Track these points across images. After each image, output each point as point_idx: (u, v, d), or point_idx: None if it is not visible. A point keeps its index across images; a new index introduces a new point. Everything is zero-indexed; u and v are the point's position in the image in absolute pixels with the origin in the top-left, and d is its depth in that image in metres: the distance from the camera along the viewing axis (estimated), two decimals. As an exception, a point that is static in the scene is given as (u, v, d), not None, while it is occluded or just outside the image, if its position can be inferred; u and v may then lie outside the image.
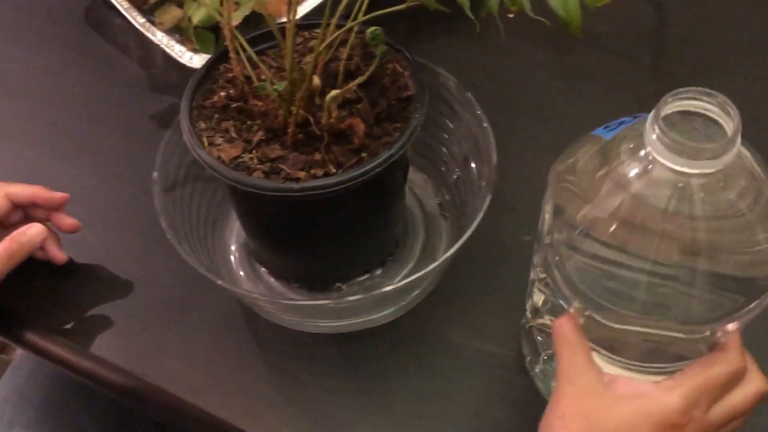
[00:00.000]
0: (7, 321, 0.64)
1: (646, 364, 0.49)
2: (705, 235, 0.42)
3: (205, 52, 0.74)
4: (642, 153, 0.42)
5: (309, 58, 0.58)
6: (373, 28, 0.52)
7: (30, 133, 0.76)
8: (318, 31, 0.59)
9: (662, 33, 0.81)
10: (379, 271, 0.64)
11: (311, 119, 0.53)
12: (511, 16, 0.60)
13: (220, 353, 0.62)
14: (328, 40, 0.52)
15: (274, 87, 0.51)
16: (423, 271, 0.55)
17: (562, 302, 0.49)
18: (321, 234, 0.57)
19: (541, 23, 0.56)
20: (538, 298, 0.54)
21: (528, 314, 0.57)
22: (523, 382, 0.58)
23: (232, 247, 0.66)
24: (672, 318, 0.44)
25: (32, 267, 0.63)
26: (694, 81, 0.74)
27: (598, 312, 0.46)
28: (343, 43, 0.57)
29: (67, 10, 0.86)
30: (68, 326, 0.64)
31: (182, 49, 0.71)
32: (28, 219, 0.65)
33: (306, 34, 0.60)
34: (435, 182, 0.68)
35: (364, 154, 0.53)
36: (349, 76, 0.57)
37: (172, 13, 0.76)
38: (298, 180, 0.52)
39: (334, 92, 0.51)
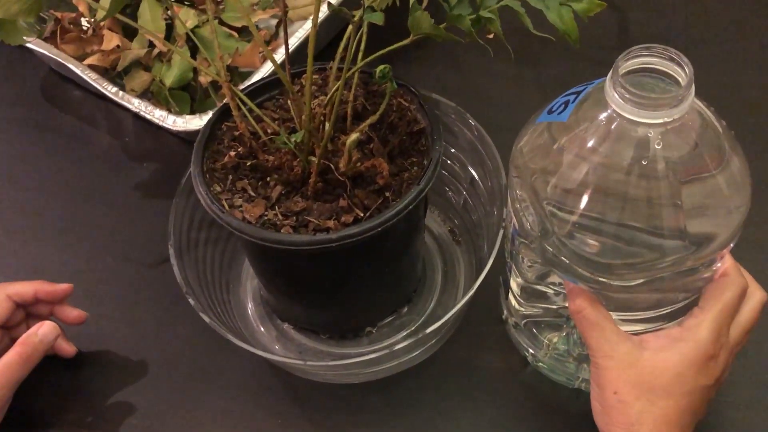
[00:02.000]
0: (27, 424, 0.60)
1: (658, 312, 0.50)
2: (676, 190, 0.43)
3: (184, 112, 0.72)
4: (603, 115, 0.43)
5: (315, 104, 0.57)
6: (381, 67, 0.51)
7: (10, 222, 0.72)
8: (315, 76, 0.59)
9: (624, 34, 0.83)
10: (405, 309, 0.63)
11: (331, 166, 0.52)
12: (490, 36, 0.60)
13: (259, 419, 0.59)
14: (340, 83, 0.51)
15: (293, 138, 0.50)
16: (461, 302, 0.54)
17: (553, 287, 0.51)
18: (353, 281, 0.56)
19: (509, 40, 0.56)
20: (526, 290, 0.55)
21: (521, 312, 0.57)
22: (573, 397, 0.58)
23: (249, 306, 0.64)
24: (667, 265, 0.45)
25: (42, 363, 0.59)
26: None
27: (606, 275, 0.46)
28: (345, 85, 0.56)
29: (21, 88, 0.83)
30: (90, 419, 0.60)
31: (163, 113, 0.69)
32: (29, 316, 0.61)
33: (301, 81, 0.59)
34: (442, 210, 0.68)
35: (387, 194, 0.52)
36: (355, 117, 0.56)
37: (141, 78, 0.74)
38: (328, 230, 0.50)
39: (354, 135, 0.50)
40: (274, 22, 0.81)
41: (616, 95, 0.42)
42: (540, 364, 0.58)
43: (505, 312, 0.60)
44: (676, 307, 0.51)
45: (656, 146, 0.43)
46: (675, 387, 0.46)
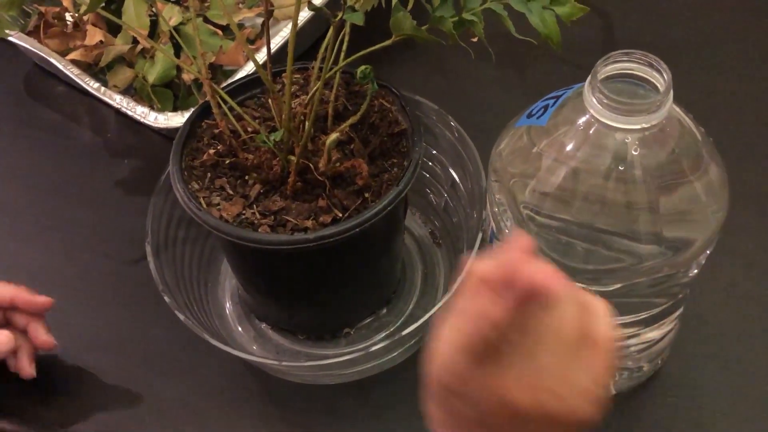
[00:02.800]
0: None
1: (636, 317, 0.50)
2: (654, 196, 0.43)
3: (166, 109, 0.72)
4: (582, 120, 0.43)
5: (296, 103, 0.57)
6: (362, 67, 0.51)
7: (-13, 217, 0.72)
8: (296, 75, 0.59)
9: (609, 38, 0.83)
10: (384, 311, 0.62)
11: (311, 166, 0.52)
12: (475, 39, 0.60)
13: (234, 420, 0.59)
14: (320, 83, 0.50)
15: (272, 137, 0.50)
16: (438, 305, 0.54)
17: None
18: (331, 282, 0.56)
19: (493, 44, 0.56)
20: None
21: None
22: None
23: (227, 306, 0.64)
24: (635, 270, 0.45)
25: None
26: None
27: (583, 279, 0.46)
28: (326, 85, 0.56)
29: (3, 83, 0.82)
30: (65, 417, 0.60)
31: (144, 110, 0.69)
32: (8, 324, 0.59)
33: (283, 79, 0.59)
34: (423, 212, 0.68)
35: (367, 194, 0.52)
36: (336, 117, 0.56)
37: (124, 74, 0.74)
38: (306, 230, 0.50)
39: (333, 135, 0.50)
40: (261, 20, 0.81)
41: (594, 100, 0.42)
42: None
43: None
44: (654, 312, 0.51)
45: (633, 152, 0.43)
46: None
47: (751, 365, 0.59)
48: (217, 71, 0.75)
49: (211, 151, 0.54)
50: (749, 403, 0.57)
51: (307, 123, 0.52)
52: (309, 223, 0.50)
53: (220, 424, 0.59)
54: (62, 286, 0.67)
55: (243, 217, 0.51)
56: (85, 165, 0.75)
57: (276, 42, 0.73)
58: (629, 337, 0.53)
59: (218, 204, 0.52)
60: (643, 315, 0.51)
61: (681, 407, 0.57)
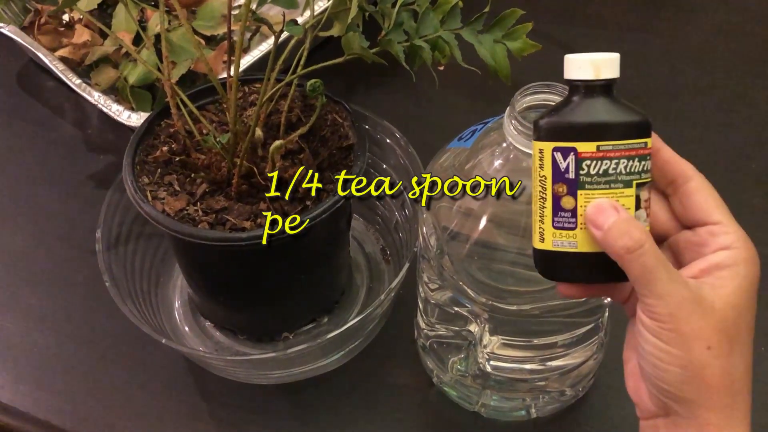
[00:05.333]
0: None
1: (546, 339, 0.52)
2: None
3: (143, 110, 0.74)
4: (501, 146, 0.46)
5: (250, 112, 0.59)
6: (312, 81, 0.54)
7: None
8: (258, 85, 0.61)
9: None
10: (325, 319, 0.64)
11: (255, 170, 0.54)
12: (441, 68, 0.63)
13: (166, 410, 0.61)
14: (270, 92, 0.53)
15: (218, 139, 0.52)
16: (361, 316, 0.56)
17: (457, 309, 0.52)
18: (267, 284, 0.58)
19: (470, 75, 0.59)
20: (432, 311, 0.56)
21: (425, 331, 0.59)
22: (472, 419, 0.59)
23: (176, 303, 0.66)
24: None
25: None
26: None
27: (498, 299, 0.48)
28: (284, 96, 0.59)
29: (-2, 75, 0.86)
30: (8, 391, 0.62)
31: (120, 108, 0.72)
32: None
33: (246, 88, 0.61)
34: (376, 228, 0.70)
35: (308, 202, 0.55)
36: (291, 127, 0.58)
37: (108, 74, 0.77)
38: (243, 230, 0.52)
39: (277, 142, 0.52)
40: (248, 34, 0.84)
41: (510, 127, 0.44)
42: (444, 384, 0.60)
43: (416, 332, 0.61)
44: (574, 335, 0.52)
45: None
46: (752, 322, 0.38)
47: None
48: (198, 78, 0.78)
49: (165, 149, 0.56)
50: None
51: (257, 129, 0.54)
52: (247, 224, 0.53)
53: (151, 414, 0.60)
54: (26, 268, 0.69)
55: (185, 212, 0.53)
56: (63, 157, 0.78)
57: (254, 54, 0.76)
58: (549, 359, 0.54)
59: (163, 198, 0.54)
60: (562, 337, 0.52)
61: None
